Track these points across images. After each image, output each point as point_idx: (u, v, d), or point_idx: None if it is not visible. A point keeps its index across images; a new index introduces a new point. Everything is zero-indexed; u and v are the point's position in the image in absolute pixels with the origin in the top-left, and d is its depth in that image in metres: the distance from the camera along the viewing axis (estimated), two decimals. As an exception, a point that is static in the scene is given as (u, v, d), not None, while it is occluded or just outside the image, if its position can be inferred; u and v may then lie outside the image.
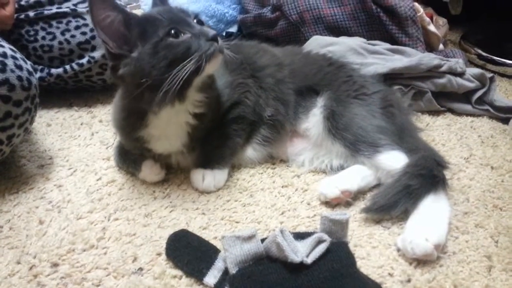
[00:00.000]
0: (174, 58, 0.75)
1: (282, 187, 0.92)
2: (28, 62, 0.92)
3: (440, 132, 1.12)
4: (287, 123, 0.98)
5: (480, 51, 1.55)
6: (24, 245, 0.77)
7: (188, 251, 0.72)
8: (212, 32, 0.78)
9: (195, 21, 0.82)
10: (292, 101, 0.98)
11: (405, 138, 0.92)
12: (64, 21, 1.19)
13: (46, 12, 1.19)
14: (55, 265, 0.73)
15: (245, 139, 0.96)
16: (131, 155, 0.94)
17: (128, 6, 1.34)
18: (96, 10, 0.74)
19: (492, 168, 0.97)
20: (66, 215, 0.84)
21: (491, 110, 1.17)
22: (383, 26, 1.33)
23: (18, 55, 0.90)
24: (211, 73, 0.83)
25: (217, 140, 0.92)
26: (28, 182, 0.94)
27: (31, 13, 1.19)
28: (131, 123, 0.86)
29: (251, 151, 0.97)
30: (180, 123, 0.86)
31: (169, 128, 0.86)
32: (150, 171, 0.92)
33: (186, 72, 0.74)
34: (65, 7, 1.20)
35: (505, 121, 1.16)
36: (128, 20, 0.77)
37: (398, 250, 0.74)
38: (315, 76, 1.00)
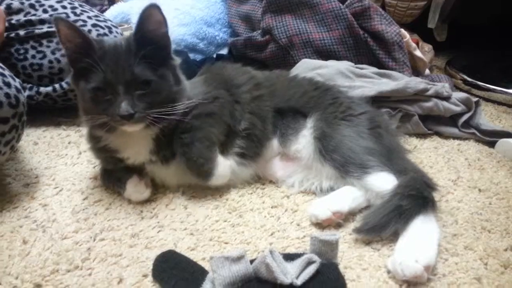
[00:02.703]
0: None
1: (272, 207, 0.91)
2: (17, 80, 0.92)
3: (428, 154, 1.13)
4: (264, 138, 0.98)
5: (465, 77, 1.59)
6: (6, 265, 0.74)
7: (176, 273, 0.70)
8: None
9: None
10: (270, 117, 0.99)
11: (393, 159, 0.92)
12: (55, 40, 1.19)
13: (37, 31, 1.20)
14: (38, 286, 0.70)
15: (222, 145, 0.93)
16: (116, 173, 0.93)
17: (120, 27, 1.34)
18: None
19: (479, 190, 0.98)
20: (50, 235, 0.82)
21: (477, 133, 1.19)
22: (370, 50, 1.36)
23: (6, 72, 0.90)
24: None
25: (189, 138, 0.88)
26: (12, 201, 0.92)
27: (22, 32, 1.19)
28: (96, 133, 0.89)
29: (233, 164, 0.94)
30: (141, 131, 0.86)
31: (133, 134, 0.86)
32: (134, 189, 0.91)
33: None
34: (57, 26, 1.20)
35: (491, 144, 1.18)
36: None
37: (388, 272, 0.73)
38: (300, 99, 1.01)
